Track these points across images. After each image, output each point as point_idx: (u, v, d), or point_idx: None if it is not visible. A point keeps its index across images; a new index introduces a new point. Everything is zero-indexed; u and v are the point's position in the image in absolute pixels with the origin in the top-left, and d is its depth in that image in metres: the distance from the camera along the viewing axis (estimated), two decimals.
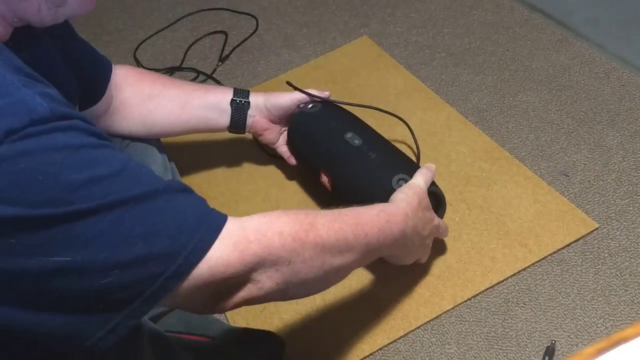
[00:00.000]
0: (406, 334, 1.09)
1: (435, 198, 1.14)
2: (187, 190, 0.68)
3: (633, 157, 1.29)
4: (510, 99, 1.48)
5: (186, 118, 1.21)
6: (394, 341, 1.09)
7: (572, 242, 1.17)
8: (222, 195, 1.40)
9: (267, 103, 1.26)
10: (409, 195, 0.98)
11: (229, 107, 1.23)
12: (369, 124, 1.28)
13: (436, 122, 1.45)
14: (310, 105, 1.30)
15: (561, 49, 1.58)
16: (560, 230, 1.19)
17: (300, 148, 1.32)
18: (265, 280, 0.71)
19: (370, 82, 1.60)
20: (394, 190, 1.08)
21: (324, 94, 1.28)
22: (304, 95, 1.28)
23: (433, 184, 1.12)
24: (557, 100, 1.45)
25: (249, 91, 1.26)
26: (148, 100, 1.17)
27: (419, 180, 1.05)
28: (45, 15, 0.74)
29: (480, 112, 1.46)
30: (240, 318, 1.17)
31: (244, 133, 1.30)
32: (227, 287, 0.68)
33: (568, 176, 1.29)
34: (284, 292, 0.75)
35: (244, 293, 0.70)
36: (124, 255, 0.59)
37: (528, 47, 1.60)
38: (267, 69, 1.73)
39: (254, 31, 1.88)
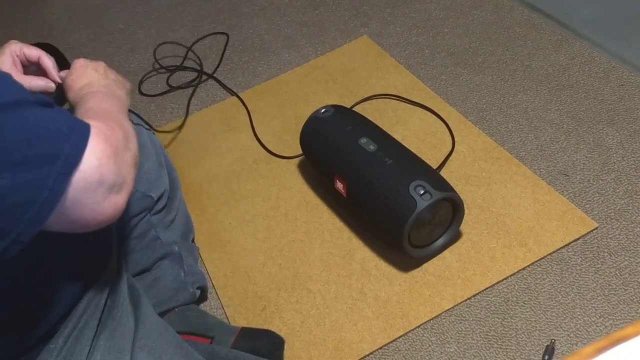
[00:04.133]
0: (406, 333, 1.10)
1: (453, 204, 1.14)
2: (52, 104, 0.70)
3: (632, 157, 1.30)
4: (510, 98, 1.48)
5: None
6: (394, 340, 1.09)
7: (572, 242, 1.17)
8: (222, 195, 1.41)
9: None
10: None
11: None
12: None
13: (436, 122, 1.45)
14: (323, 110, 1.30)
15: (561, 48, 1.58)
16: (560, 230, 1.19)
17: (314, 153, 1.32)
18: (128, 173, 0.74)
19: (370, 82, 1.60)
20: (411, 196, 1.08)
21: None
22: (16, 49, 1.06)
23: (451, 189, 1.12)
24: (557, 99, 1.45)
25: None
26: None
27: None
28: None
29: (479, 111, 1.46)
30: (240, 317, 1.17)
31: None
32: (108, 184, 0.70)
33: (567, 176, 1.29)
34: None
35: (119, 195, 0.72)
36: (12, 157, 0.62)
37: (528, 47, 1.61)
38: (267, 69, 1.74)
39: (254, 31, 1.88)
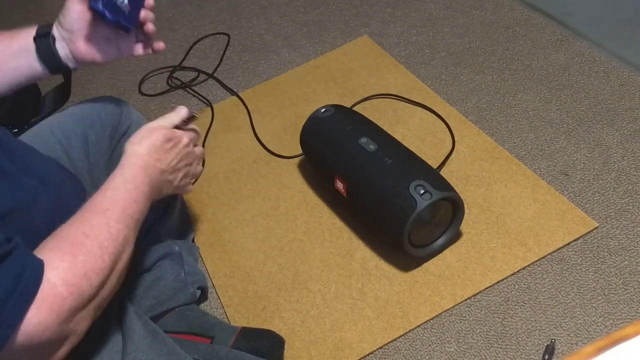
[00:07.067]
0: (406, 333, 1.10)
1: (453, 203, 1.14)
2: (4, 258, 0.64)
3: (632, 156, 1.29)
4: (510, 98, 1.48)
5: (1, 76, 1.01)
6: (394, 340, 1.09)
7: (572, 241, 1.17)
8: (223, 194, 1.41)
9: (62, 24, 1.00)
10: (142, 147, 0.90)
11: (34, 47, 1.01)
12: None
13: (436, 122, 1.45)
14: (323, 110, 1.31)
15: (561, 48, 1.58)
16: (560, 230, 1.19)
17: (314, 153, 1.32)
18: (81, 324, 0.70)
19: (370, 81, 1.60)
20: (411, 196, 1.08)
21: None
22: None
23: (451, 189, 1.12)
24: (557, 99, 1.45)
25: (52, 24, 1.01)
26: None
27: (158, 122, 0.95)
28: None
29: (480, 111, 1.46)
30: (240, 317, 1.17)
31: (70, 70, 1.06)
32: (47, 346, 0.67)
33: (568, 175, 1.29)
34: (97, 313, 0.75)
35: (65, 346, 0.69)
36: None
37: (528, 47, 1.61)
38: (267, 68, 1.74)
39: (254, 31, 1.88)
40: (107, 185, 0.83)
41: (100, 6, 0.90)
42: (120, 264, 0.76)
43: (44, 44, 1.00)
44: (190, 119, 0.99)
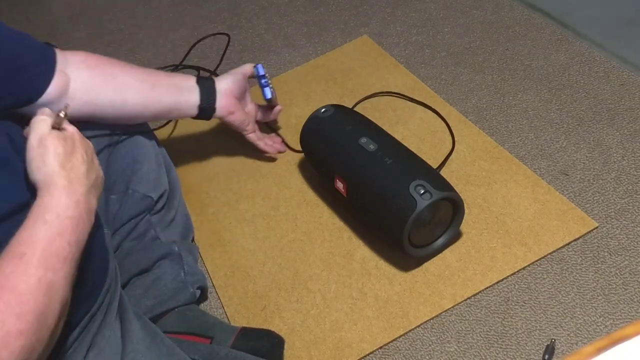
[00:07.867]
0: (406, 333, 1.10)
1: (453, 203, 1.14)
2: None
3: (632, 156, 1.29)
4: (510, 98, 1.48)
5: (157, 97, 1.12)
6: (394, 340, 1.09)
7: (572, 241, 1.17)
8: (223, 194, 1.41)
9: (226, 77, 1.29)
10: (50, 165, 0.77)
11: (197, 86, 1.21)
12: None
13: (436, 121, 1.45)
14: (323, 110, 1.31)
15: (561, 48, 1.58)
16: (560, 229, 1.19)
17: (314, 153, 1.32)
18: None
19: (371, 81, 1.60)
20: (411, 196, 1.08)
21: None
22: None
23: (451, 189, 1.12)
24: (557, 99, 1.45)
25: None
26: (112, 80, 1.05)
27: (36, 134, 0.79)
28: None
29: (480, 111, 1.46)
30: (240, 317, 1.17)
31: (211, 116, 1.26)
32: None
33: (568, 175, 1.29)
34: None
35: None
36: None
37: (528, 47, 1.61)
38: (267, 68, 1.73)
39: (254, 31, 1.88)
40: (24, 222, 0.69)
41: (269, 95, 1.39)
42: (50, 318, 0.64)
43: (208, 85, 1.23)
44: (59, 118, 0.85)
